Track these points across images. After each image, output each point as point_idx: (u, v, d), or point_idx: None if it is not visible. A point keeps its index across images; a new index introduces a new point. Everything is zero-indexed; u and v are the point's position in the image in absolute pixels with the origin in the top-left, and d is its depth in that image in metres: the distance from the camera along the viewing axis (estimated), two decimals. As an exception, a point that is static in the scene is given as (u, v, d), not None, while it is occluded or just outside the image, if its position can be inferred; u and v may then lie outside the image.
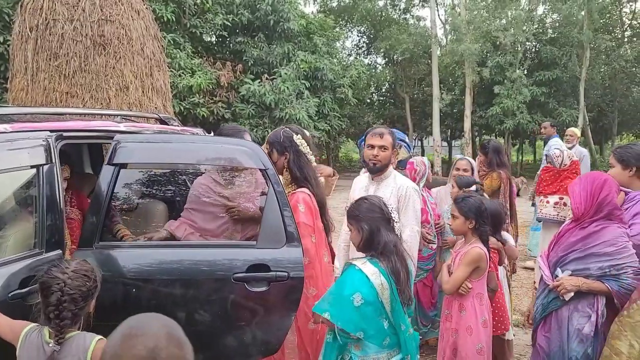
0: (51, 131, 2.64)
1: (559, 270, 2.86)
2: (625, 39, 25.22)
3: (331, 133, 17.08)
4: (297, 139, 3.17)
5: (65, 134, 2.72)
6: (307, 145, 3.21)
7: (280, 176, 3.30)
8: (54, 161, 2.57)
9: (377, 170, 3.44)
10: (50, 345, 2.00)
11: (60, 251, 2.49)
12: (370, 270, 2.33)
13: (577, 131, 8.30)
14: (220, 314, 2.62)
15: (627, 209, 3.02)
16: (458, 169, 4.48)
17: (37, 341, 2.04)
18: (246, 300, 2.61)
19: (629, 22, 25.41)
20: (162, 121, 3.63)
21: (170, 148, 2.78)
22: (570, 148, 7.47)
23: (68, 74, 6.45)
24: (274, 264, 2.64)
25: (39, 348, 2.03)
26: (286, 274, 2.64)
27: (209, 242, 2.96)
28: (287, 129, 3.21)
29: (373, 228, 2.43)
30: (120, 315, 2.32)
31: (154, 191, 3.37)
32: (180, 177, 3.39)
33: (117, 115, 3.48)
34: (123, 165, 2.68)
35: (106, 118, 3.46)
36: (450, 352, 3.18)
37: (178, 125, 3.71)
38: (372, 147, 3.39)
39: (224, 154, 2.82)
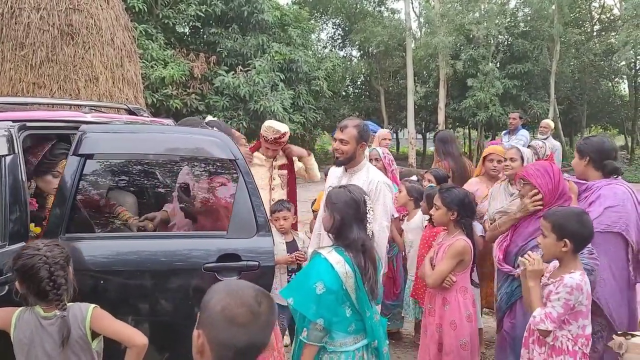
0: (14, 121, 2.58)
1: (520, 259, 2.91)
2: (594, 33, 25.77)
3: (306, 125, 17.04)
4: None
5: (29, 124, 2.66)
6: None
7: None
8: (16, 152, 2.51)
9: (340, 164, 3.44)
10: (58, 314, 2.10)
11: (24, 243, 2.44)
12: (335, 258, 2.34)
13: (551, 123, 8.34)
14: (191, 305, 2.60)
15: (585, 197, 3.11)
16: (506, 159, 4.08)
17: (33, 319, 2.13)
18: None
19: (598, 16, 25.98)
20: (131, 112, 3.57)
21: (138, 138, 2.74)
22: (544, 140, 7.56)
23: (35, 64, 6.31)
24: (244, 254, 2.63)
25: (37, 325, 2.12)
26: (257, 263, 2.64)
27: (179, 233, 2.94)
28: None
29: (345, 222, 2.41)
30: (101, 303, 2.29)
31: (123, 182, 3.32)
32: (150, 168, 3.35)
33: (85, 106, 3.41)
34: (89, 156, 2.64)
35: (73, 108, 3.39)
36: (435, 347, 3.16)
37: (148, 116, 3.65)
38: (335, 140, 3.40)
39: (193, 144, 2.79)
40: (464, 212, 3.20)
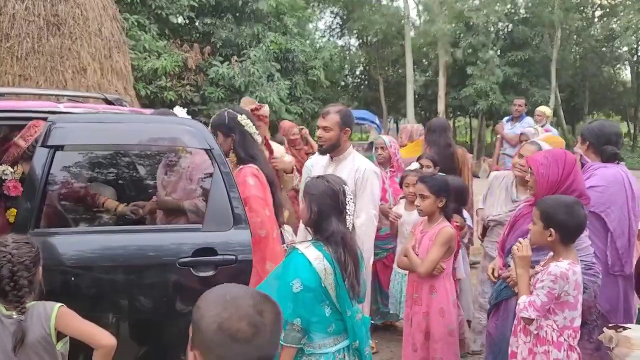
0: (-22, 112, 2.47)
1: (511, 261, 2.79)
2: (596, 19, 25.48)
3: (304, 116, 16.86)
4: (242, 119, 3.03)
5: (-6, 114, 2.55)
6: (253, 124, 3.08)
7: (227, 159, 3.18)
8: (-19, 144, 2.41)
9: (324, 152, 3.34)
10: (14, 316, 2.00)
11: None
12: (314, 254, 2.19)
13: (546, 110, 8.08)
14: (166, 301, 2.51)
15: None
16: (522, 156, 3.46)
17: None
18: (192, 285, 2.49)
19: (599, 1, 25.64)
20: (108, 101, 3.46)
21: (110, 128, 2.63)
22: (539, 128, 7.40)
23: (21, 55, 6.20)
24: (221, 248, 2.52)
25: None
26: (234, 257, 2.53)
27: (153, 227, 2.84)
28: (231, 110, 3.06)
29: (323, 213, 2.27)
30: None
31: (99, 174, 3.21)
32: (127, 158, 3.24)
33: (61, 95, 3.31)
34: (59, 147, 2.52)
35: (46, 98, 3.27)
36: (422, 336, 3.10)
37: (126, 106, 3.54)
38: (319, 127, 3.30)
39: (167, 133, 2.68)
40: (450, 197, 3.15)
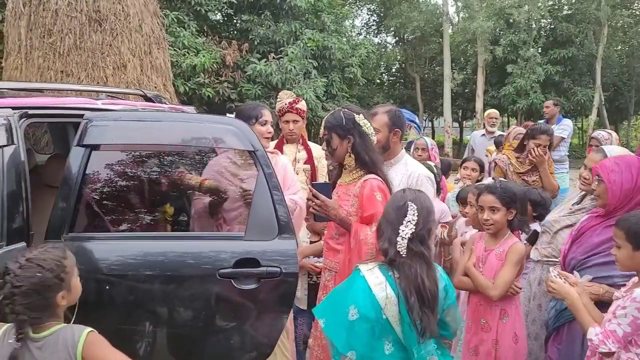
0: (14, 108, 2.35)
1: (576, 274, 2.51)
2: (644, 16, 24.42)
3: (340, 114, 16.65)
4: (360, 119, 2.69)
5: (30, 111, 2.44)
6: (371, 125, 2.74)
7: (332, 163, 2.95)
8: (17, 142, 2.29)
9: None
10: (10, 341, 1.78)
11: (25, 243, 2.22)
12: (376, 279, 1.92)
13: (497, 113, 7.85)
14: (205, 314, 2.34)
15: None
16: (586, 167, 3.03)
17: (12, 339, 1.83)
18: (233, 298, 2.33)
19: (649, -3, 24.57)
20: (147, 98, 3.33)
21: (149, 127, 2.47)
22: (493, 132, 7.02)
23: (63, 51, 6.20)
24: (264, 258, 2.34)
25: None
26: (278, 269, 2.34)
27: (192, 234, 2.68)
28: (347, 110, 2.73)
29: (380, 230, 2.03)
30: (94, 315, 2.09)
31: (139, 174, 3.07)
32: (167, 157, 3.10)
33: (101, 92, 3.20)
34: (95, 147, 2.39)
35: (86, 94, 3.17)
36: None
37: (166, 103, 3.40)
38: None
39: (208, 133, 2.50)
40: (522, 209, 2.81)
